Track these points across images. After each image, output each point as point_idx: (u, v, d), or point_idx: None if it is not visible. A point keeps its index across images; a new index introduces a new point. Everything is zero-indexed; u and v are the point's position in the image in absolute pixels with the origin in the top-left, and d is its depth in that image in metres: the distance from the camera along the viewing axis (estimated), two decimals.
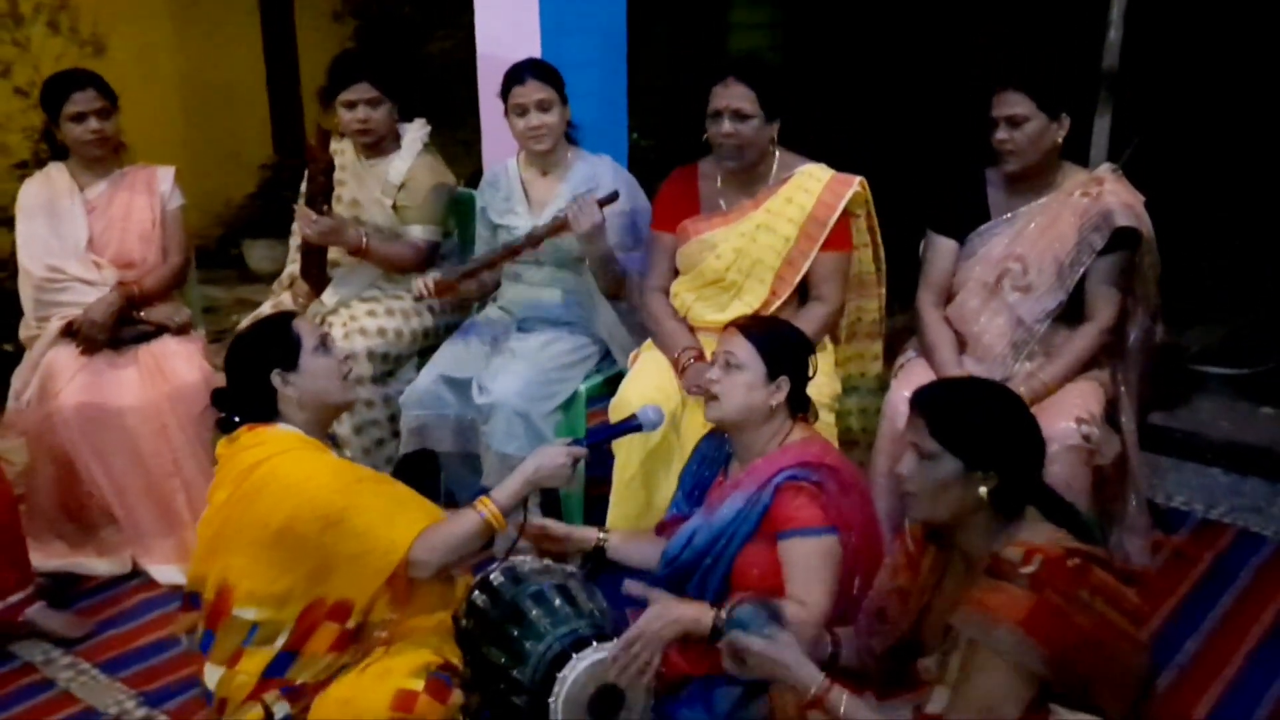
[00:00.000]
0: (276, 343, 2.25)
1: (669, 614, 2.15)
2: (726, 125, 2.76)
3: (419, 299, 3.10)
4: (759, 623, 1.99)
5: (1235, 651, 2.65)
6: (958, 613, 1.81)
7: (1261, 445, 3.63)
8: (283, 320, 2.33)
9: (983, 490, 1.84)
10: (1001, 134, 2.70)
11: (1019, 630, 1.72)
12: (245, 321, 2.76)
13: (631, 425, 2.48)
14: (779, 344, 2.39)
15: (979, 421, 1.89)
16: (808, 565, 2.23)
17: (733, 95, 2.74)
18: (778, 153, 2.87)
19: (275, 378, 2.23)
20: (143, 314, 3.13)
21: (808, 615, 2.14)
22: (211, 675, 2.22)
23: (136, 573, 3.06)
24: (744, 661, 1.95)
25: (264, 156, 5.65)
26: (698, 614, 2.16)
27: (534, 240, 2.96)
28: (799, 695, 1.89)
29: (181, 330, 3.17)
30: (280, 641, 2.20)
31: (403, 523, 2.20)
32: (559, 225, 2.90)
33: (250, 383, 2.25)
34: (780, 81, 2.80)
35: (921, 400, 1.95)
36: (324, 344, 2.30)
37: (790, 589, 2.22)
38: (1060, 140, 2.72)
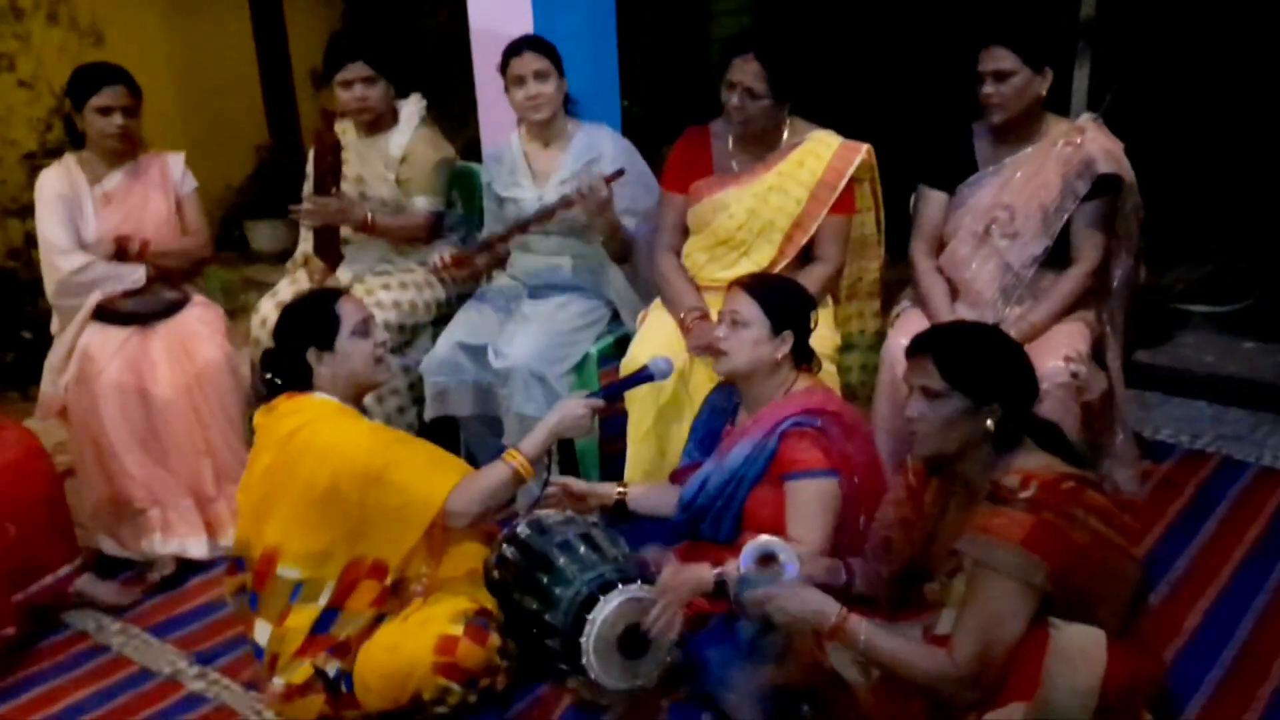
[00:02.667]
0: (316, 321, 2.37)
1: (678, 578, 2.29)
2: (735, 100, 2.85)
3: (434, 272, 3.21)
4: (764, 580, 2.14)
5: (1221, 569, 2.79)
6: (962, 538, 1.96)
7: (1243, 377, 3.77)
8: (326, 299, 2.43)
9: (989, 423, 1.98)
10: (988, 88, 2.80)
11: (1020, 549, 1.87)
12: (290, 299, 2.82)
13: (644, 376, 2.62)
14: (782, 299, 2.52)
15: (983, 360, 2.03)
16: (807, 505, 2.37)
17: (747, 72, 2.82)
18: (789, 120, 2.97)
19: (310, 354, 2.36)
20: (158, 258, 3.16)
21: (805, 551, 2.28)
22: (261, 632, 2.36)
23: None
24: (767, 614, 2.10)
25: (259, 139, 5.72)
26: (699, 573, 2.30)
27: (542, 217, 3.06)
28: (820, 627, 2.02)
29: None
30: (324, 599, 2.34)
31: (439, 477, 2.33)
32: (566, 203, 3.00)
33: (289, 355, 2.37)
34: (797, 66, 2.86)
35: (926, 344, 2.07)
36: (364, 327, 2.41)
37: (790, 528, 2.37)
38: (1044, 92, 2.82)
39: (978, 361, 2.03)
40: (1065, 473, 1.96)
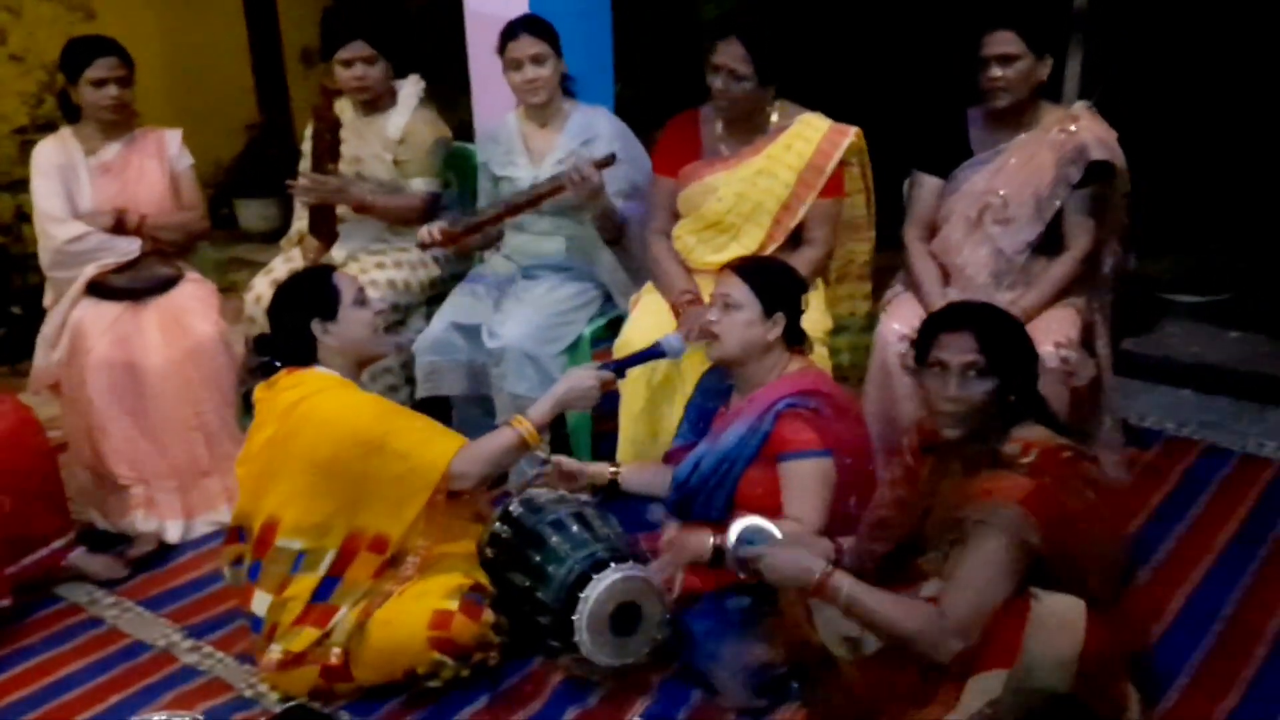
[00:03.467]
0: (318, 294, 2.40)
1: (681, 541, 2.35)
2: (719, 83, 2.86)
3: (423, 247, 3.21)
4: (762, 537, 2.17)
5: (1204, 555, 2.83)
6: (965, 505, 1.99)
7: (1227, 367, 3.81)
8: (324, 273, 2.47)
9: (1011, 399, 2.03)
10: (994, 71, 2.80)
11: (1019, 507, 1.91)
12: (284, 277, 2.83)
13: (655, 352, 2.63)
14: (773, 282, 2.54)
15: (1017, 342, 2.08)
16: (803, 485, 2.40)
17: (731, 55, 2.82)
18: (777, 103, 2.99)
19: (315, 326, 2.37)
20: (156, 230, 3.16)
21: (802, 530, 2.31)
22: (260, 602, 2.38)
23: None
24: (758, 571, 2.12)
25: (249, 117, 5.70)
26: (700, 539, 2.34)
27: (534, 201, 3.07)
28: (805, 583, 2.05)
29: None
30: (324, 568, 2.36)
31: (440, 443, 2.36)
32: (557, 187, 3.00)
33: (292, 330, 2.39)
34: (780, 49, 2.87)
35: (965, 319, 2.09)
36: (362, 296, 2.44)
37: (787, 507, 2.39)
38: (1044, 79, 2.85)
39: (1013, 343, 2.07)
40: (1063, 443, 2.02)
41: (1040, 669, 1.85)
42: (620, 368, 2.61)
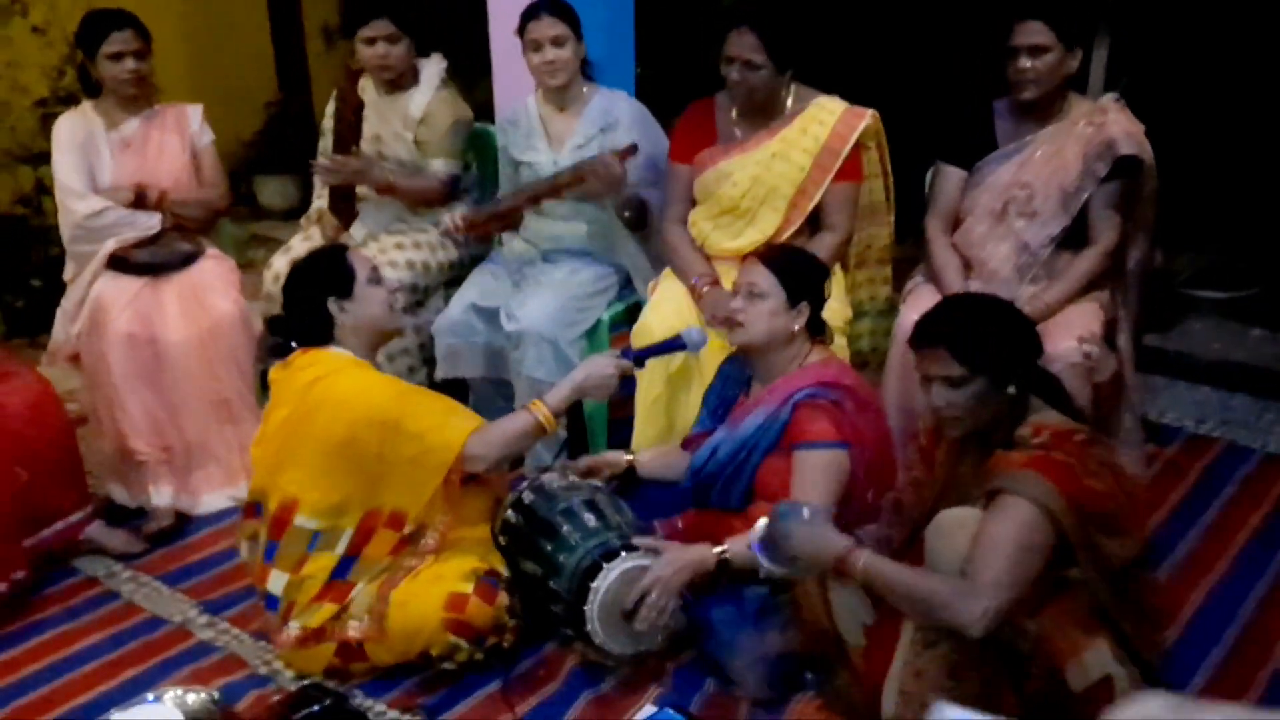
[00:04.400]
0: (333, 272, 2.39)
1: (677, 561, 2.30)
2: (735, 74, 2.84)
3: (446, 235, 3.21)
4: (794, 515, 2.14)
5: (1223, 555, 2.81)
6: (983, 480, 1.98)
7: (1249, 364, 3.77)
8: (338, 252, 2.46)
9: (1011, 390, 2.01)
10: (1024, 62, 2.77)
11: (1040, 475, 1.91)
12: (303, 255, 2.84)
13: (676, 344, 2.62)
14: (798, 271, 2.52)
15: (993, 338, 2.04)
16: (813, 476, 2.39)
17: (744, 45, 2.80)
18: (792, 86, 2.96)
19: (331, 305, 2.37)
20: (176, 206, 3.16)
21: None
22: (276, 581, 2.38)
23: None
24: (784, 550, 2.09)
25: (269, 94, 5.69)
26: (701, 554, 2.32)
27: (555, 190, 3.05)
28: (826, 561, 2.03)
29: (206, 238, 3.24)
30: (341, 547, 2.37)
31: (456, 423, 2.36)
32: (578, 177, 2.98)
33: (307, 309, 2.38)
34: (793, 34, 2.85)
35: (934, 333, 2.07)
36: (376, 275, 2.44)
37: (794, 496, 2.38)
38: (1073, 72, 2.82)
39: (989, 342, 2.04)
40: (1076, 427, 2.01)
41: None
42: (640, 357, 2.59)
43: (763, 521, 2.15)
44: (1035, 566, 1.89)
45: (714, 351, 2.82)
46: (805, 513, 2.11)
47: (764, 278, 2.48)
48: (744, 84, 2.84)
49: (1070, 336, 2.72)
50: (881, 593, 2.00)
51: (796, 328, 2.48)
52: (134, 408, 3.08)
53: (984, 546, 1.90)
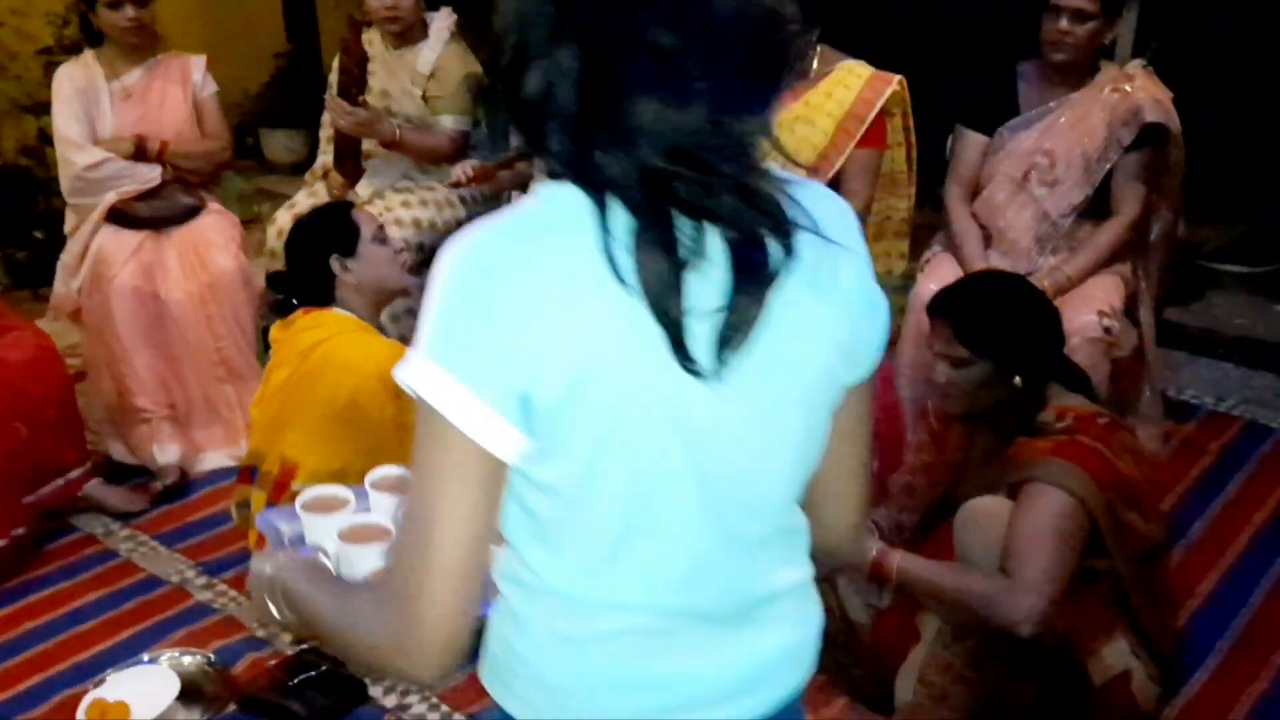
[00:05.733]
0: (337, 230, 2.34)
1: None
2: None
3: (456, 186, 3.14)
4: None
5: (1240, 533, 2.76)
6: (1010, 468, 1.93)
7: (1272, 341, 3.70)
8: (342, 209, 2.41)
9: (1017, 380, 1.95)
10: (1064, 23, 2.68)
11: (1066, 461, 1.85)
12: (306, 211, 2.79)
13: None
14: None
15: (1004, 324, 1.98)
16: None
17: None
18: (818, 48, 2.88)
19: (335, 263, 2.32)
20: (177, 158, 3.11)
21: None
22: None
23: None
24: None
25: (277, 45, 5.59)
26: None
27: None
28: (861, 566, 1.99)
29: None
30: None
31: None
32: None
33: (310, 267, 2.33)
34: None
35: (943, 309, 2.01)
36: (381, 234, 2.39)
37: None
38: (1106, 43, 2.75)
39: (998, 329, 1.98)
40: (1100, 410, 1.95)
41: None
42: None
43: None
44: (1074, 556, 1.83)
45: None
46: None
47: None
48: None
49: (1090, 310, 2.65)
50: (919, 593, 1.95)
51: None
52: (138, 363, 3.04)
53: (1022, 541, 1.82)
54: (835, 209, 1.04)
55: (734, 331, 0.91)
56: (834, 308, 0.99)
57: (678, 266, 0.89)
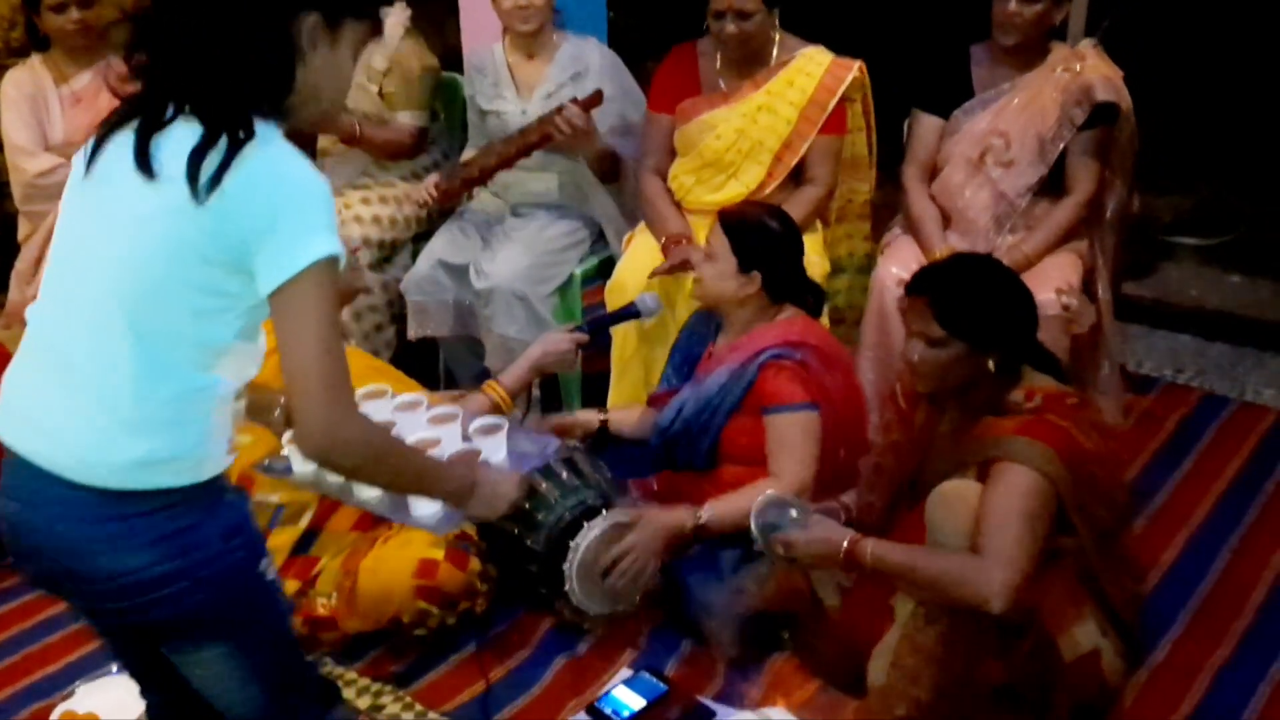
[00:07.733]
0: None
1: (656, 523, 2.27)
2: (730, 26, 2.76)
3: (423, 207, 3.14)
4: (785, 521, 2.11)
5: (1200, 503, 2.81)
6: (976, 447, 1.95)
7: (1227, 311, 3.76)
8: None
9: (990, 363, 1.97)
10: (1014, 6, 2.70)
11: (1034, 440, 1.88)
12: None
13: (630, 312, 2.58)
14: (755, 238, 2.42)
15: (983, 307, 2.00)
16: (789, 438, 2.34)
17: None
18: (777, 35, 2.89)
19: None
20: None
21: (784, 486, 2.26)
22: None
23: None
24: (792, 556, 2.08)
25: None
26: (679, 519, 2.29)
27: (525, 151, 2.98)
28: (836, 559, 2.01)
29: None
30: (304, 520, 2.32)
31: None
32: (546, 135, 2.89)
33: None
34: None
35: (925, 287, 2.03)
36: None
37: (772, 462, 2.34)
38: (1056, 23, 2.77)
39: (977, 309, 2.00)
40: (1069, 391, 1.98)
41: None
42: (595, 327, 2.56)
43: (756, 520, 2.12)
44: (1043, 534, 1.86)
45: (690, 307, 2.76)
46: (792, 513, 2.08)
47: (718, 239, 2.43)
48: (738, 35, 2.77)
49: (1049, 288, 2.68)
50: (894, 578, 1.97)
51: (744, 294, 2.41)
52: None
53: (992, 520, 1.85)
54: None
55: None
56: None
57: None
